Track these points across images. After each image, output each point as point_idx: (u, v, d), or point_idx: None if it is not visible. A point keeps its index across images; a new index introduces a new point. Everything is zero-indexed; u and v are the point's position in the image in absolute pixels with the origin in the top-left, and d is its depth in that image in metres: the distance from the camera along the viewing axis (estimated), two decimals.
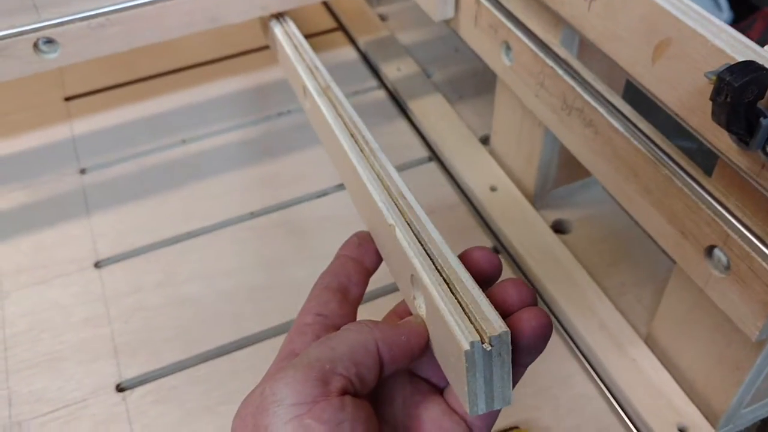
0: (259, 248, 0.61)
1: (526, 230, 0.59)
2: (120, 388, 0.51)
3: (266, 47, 0.80)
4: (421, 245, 0.35)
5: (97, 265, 0.60)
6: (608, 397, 0.49)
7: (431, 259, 0.34)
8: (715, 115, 0.33)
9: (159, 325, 0.56)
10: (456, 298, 0.31)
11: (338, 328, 0.32)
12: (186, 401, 0.51)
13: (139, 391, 0.51)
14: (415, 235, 0.36)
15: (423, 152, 0.69)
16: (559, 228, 0.61)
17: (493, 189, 0.62)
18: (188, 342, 0.55)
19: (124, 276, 0.60)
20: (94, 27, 0.57)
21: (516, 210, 0.61)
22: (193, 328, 0.56)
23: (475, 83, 0.76)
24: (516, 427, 0.48)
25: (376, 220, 0.39)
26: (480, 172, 0.64)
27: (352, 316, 0.35)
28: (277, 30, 0.60)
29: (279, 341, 0.54)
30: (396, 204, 0.38)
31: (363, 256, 0.38)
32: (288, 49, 0.57)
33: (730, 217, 0.38)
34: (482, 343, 0.28)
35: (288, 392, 0.28)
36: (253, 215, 0.64)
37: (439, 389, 0.34)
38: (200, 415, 0.50)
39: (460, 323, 0.29)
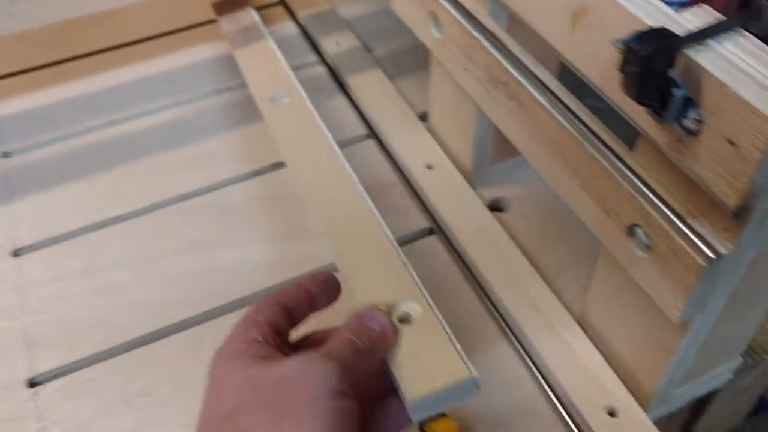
0: (189, 232, 0.59)
1: (462, 209, 0.57)
2: (31, 383, 0.49)
3: (199, 25, 0.77)
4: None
5: (16, 253, 0.57)
6: (539, 380, 0.48)
7: None
8: (626, 87, 0.31)
9: (79, 315, 0.53)
10: None
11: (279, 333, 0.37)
12: (102, 394, 0.49)
13: (52, 385, 0.49)
14: None
15: (361, 129, 0.67)
16: (496, 206, 0.60)
17: (429, 167, 0.60)
18: (108, 332, 0.52)
19: (45, 264, 0.57)
20: (4, 3, 0.54)
21: (452, 188, 0.59)
22: (114, 316, 0.53)
23: (416, 58, 0.73)
24: (443, 414, 0.46)
25: None
26: (417, 149, 0.62)
27: (285, 339, 0.38)
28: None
29: (204, 330, 0.53)
30: None
31: (320, 296, 0.40)
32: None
33: (651, 195, 0.36)
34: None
35: (337, 378, 0.33)
36: (183, 197, 0.61)
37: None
38: (117, 408, 0.48)
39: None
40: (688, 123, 0.32)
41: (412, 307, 0.40)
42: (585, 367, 0.47)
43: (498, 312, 0.51)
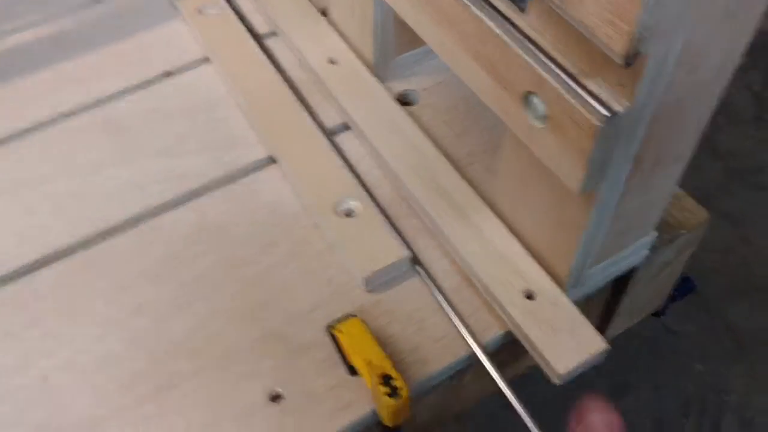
0: (73, 152, 0.54)
1: (369, 104, 0.53)
2: None
3: None
4: None
5: None
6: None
7: None
8: None
9: None
10: None
11: None
12: None
13: None
14: None
15: (265, 28, 0.62)
16: (405, 100, 0.56)
17: (332, 62, 0.56)
18: None
19: None
20: None
21: (357, 83, 0.55)
22: None
23: None
24: (353, 316, 0.44)
25: None
26: (318, 44, 0.57)
27: None
28: None
29: (92, 253, 0.49)
30: None
31: None
32: None
33: (543, 57, 0.33)
34: None
35: None
36: (65, 116, 0.56)
37: None
38: (4, 342, 0.44)
39: None
40: None
41: (353, 203, 0.48)
42: (500, 252, 0.45)
43: (413, 203, 0.49)
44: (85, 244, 0.49)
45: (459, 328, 0.43)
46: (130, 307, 0.46)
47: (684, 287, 0.74)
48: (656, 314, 0.69)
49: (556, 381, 0.40)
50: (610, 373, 1.28)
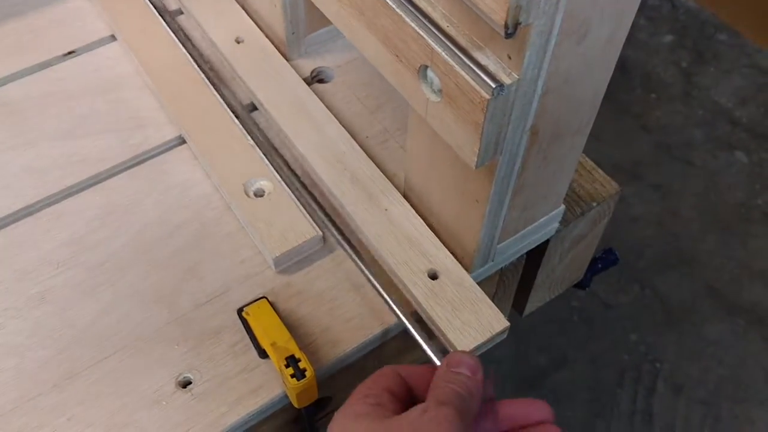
0: None
1: (276, 84, 0.52)
2: None
3: None
4: None
5: None
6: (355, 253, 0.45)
7: None
8: None
9: None
10: None
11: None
12: None
13: None
14: None
15: (173, 5, 0.60)
16: (319, 77, 0.55)
17: (238, 41, 0.55)
18: None
19: None
20: None
21: (264, 62, 0.54)
22: None
23: None
24: (263, 297, 0.43)
25: None
26: (225, 23, 0.56)
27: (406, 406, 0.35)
28: None
29: None
30: None
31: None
32: None
33: (434, 30, 0.33)
34: None
35: (456, 424, 0.32)
36: None
37: None
38: None
39: None
40: None
41: (264, 184, 0.48)
42: (406, 233, 0.45)
43: (320, 184, 0.48)
44: None
45: (387, 300, 0.41)
46: (31, 295, 0.44)
47: (607, 259, 0.76)
48: (580, 286, 0.70)
49: None
50: (547, 348, 1.31)
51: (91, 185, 0.49)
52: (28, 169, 0.50)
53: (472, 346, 0.40)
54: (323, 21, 0.55)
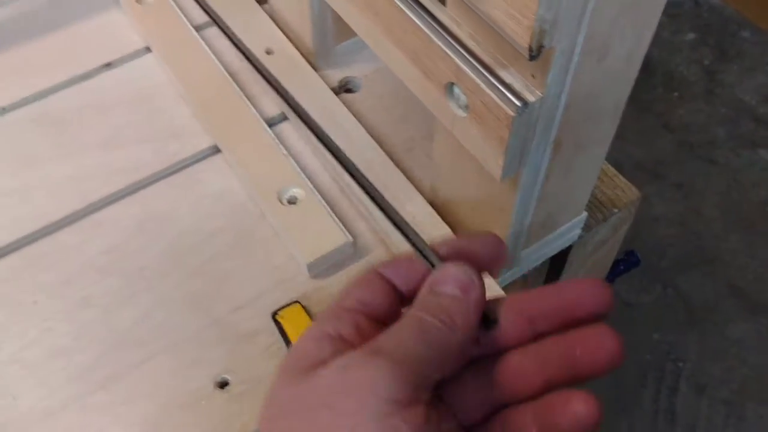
0: (11, 148, 0.54)
1: (306, 93, 0.54)
2: None
3: None
4: None
5: None
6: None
7: None
8: None
9: None
10: None
11: (379, 321, 0.28)
12: None
13: None
14: None
15: (203, 17, 0.62)
16: (347, 87, 0.57)
17: (268, 52, 0.57)
18: None
19: None
20: None
21: (294, 73, 0.55)
22: None
23: None
24: (296, 302, 0.45)
25: None
26: (255, 34, 0.58)
27: (396, 313, 0.29)
28: None
29: (36, 249, 0.49)
30: None
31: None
32: None
33: (460, 49, 0.35)
34: None
35: (384, 384, 0.24)
36: (4, 110, 0.56)
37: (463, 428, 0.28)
38: None
39: None
40: None
41: (296, 191, 0.49)
42: (432, 239, 0.46)
43: (350, 192, 0.50)
44: (29, 240, 0.49)
45: None
46: (76, 300, 0.46)
47: (629, 261, 0.77)
48: None
49: None
50: None
51: (129, 194, 0.51)
52: (70, 179, 0.52)
53: None
54: (351, 32, 0.56)
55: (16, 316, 0.46)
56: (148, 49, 0.60)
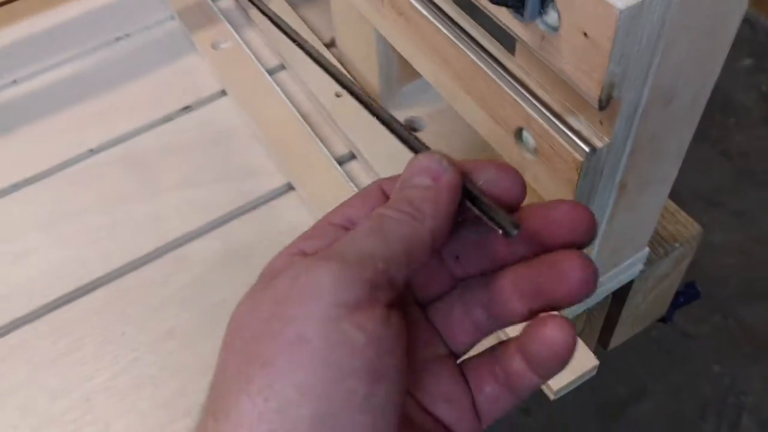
0: (99, 187, 0.58)
1: (373, 134, 0.57)
2: None
3: None
4: None
5: None
6: None
7: None
8: None
9: None
10: None
11: None
12: (31, 356, 0.49)
13: None
14: None
15: (274, 61, 0.66)
16: (412, 126, 0.59)
17: (338, 95, 0.59)
18: (30, 295, 0.52)
19: None
20: None
21: (361, 114, 0.57)
22: (34, 279, 0.53)
23: None
24: None
25: None
26: (325, 78, 0.61)
27: None
28: None
29: (124, 282, 0.52)
30: None
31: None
32: None
33: (530, 97, 0.36)
34: None
35: (330, 287, 0.22)
36: (92, 152, 0.60)
37: (452, 353, 0.28)
38: (45, 368, 0.48)
39: None
40: (549, 19, 0.32)
41: None
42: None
43: None
44: (117, 274, 0.52)
45: None
46: (161, 332, 0.49)
47: (689, 293, 0.76)
48: (662, 320, 0.72)
49: (552, 396, 0.43)
50: (627, 378, 1.30)
51: (208, 231, 0.55)
52: (153, 216, 0.56)
53: (563, 384, 0.43)
54: (415, 74, 0.59)
55: (107, 346, 0.49)
56: (223, 93, 0.63)
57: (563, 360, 0.25)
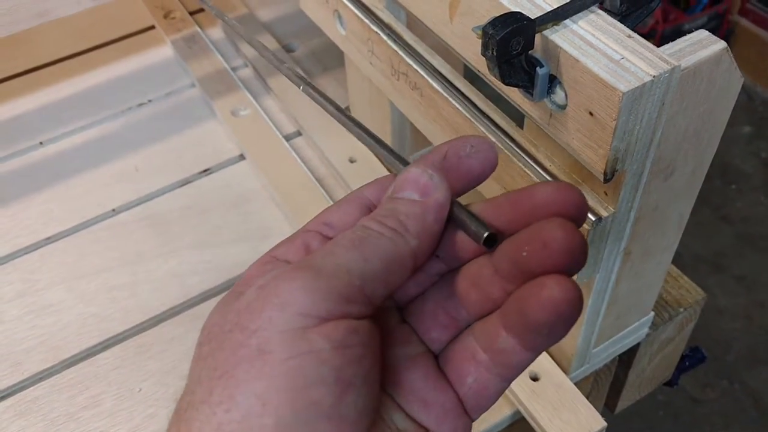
0: (121, 245, 0.60)
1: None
2: None
3: (118, 40, 0.78)
4: None
5: None
6: None
7: None
8: (490, 70, 0.33)
9: (19, 337, 0.54)
10: None
11: None
12: (49, 411, 0.50)
13: (0, 405, 0.50)
14: None
15: (291, 127, 0.69)
16: None
17: (352, 161, 0.62)
18: (51, 349, 0.53)
19: None
20: None
21: (373, 179, 0.60)
22: (55, 334, 0.54)
23: (338, 54, 0.75)
24: None
25: None
26: (339, 144, 0.64)
27: None
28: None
29: (143, 339, 0.54)
30: None
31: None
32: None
33: (538, 169, 0.39)
34: None
35: (298, 298, 0.22)
36: (114, 212, 0.62)
37: (431, 351, 0.26)
38: (64, 423, 0.49)
39: None
40: (557, 98, 0.34)
41: None
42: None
43: None
44: (136, 330, 0.54)
45: None
46: (178, 388, 0.51)
47: (694, 358, 0.77)
48: (668, 384, 0.72)
49: None
50: None
51: (225, 289, 0.56)
52: (172, 274, 0.57)
53: None
54: (426, 142, 0.62)
55: (124, 402, 0.50)
56: (242, 157, 0.66)
57: (568, 319, 0.23)
